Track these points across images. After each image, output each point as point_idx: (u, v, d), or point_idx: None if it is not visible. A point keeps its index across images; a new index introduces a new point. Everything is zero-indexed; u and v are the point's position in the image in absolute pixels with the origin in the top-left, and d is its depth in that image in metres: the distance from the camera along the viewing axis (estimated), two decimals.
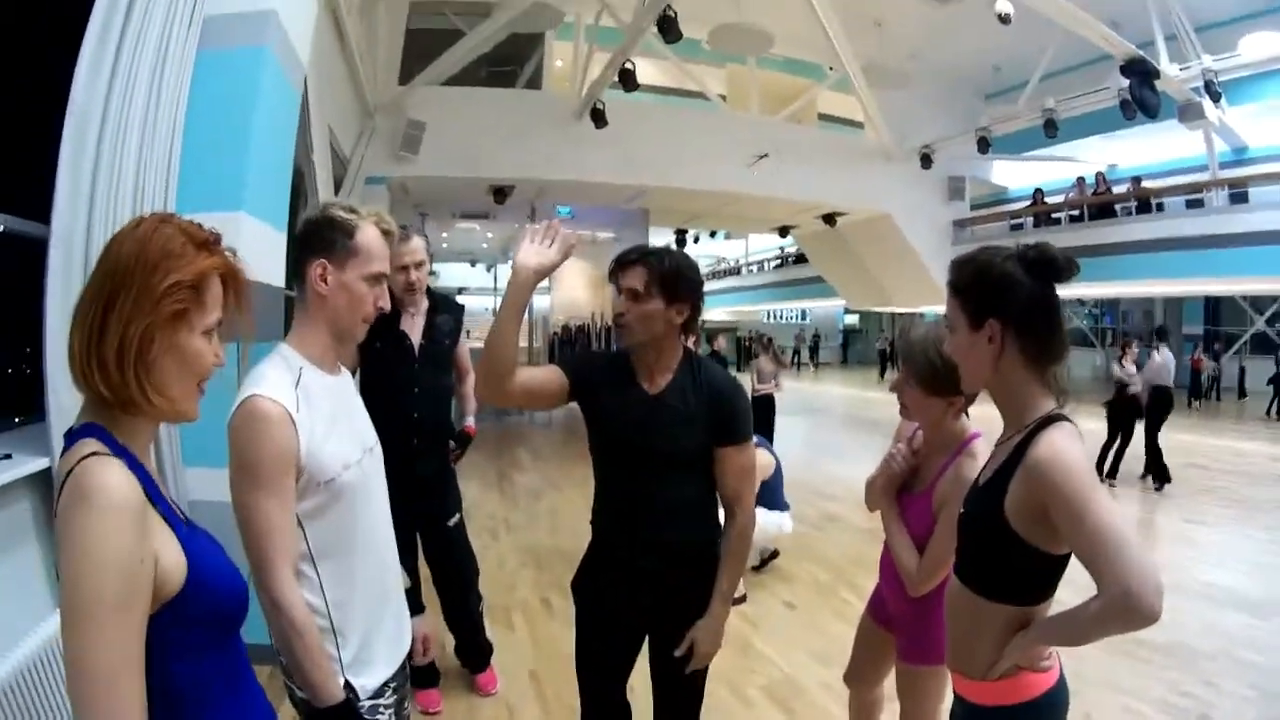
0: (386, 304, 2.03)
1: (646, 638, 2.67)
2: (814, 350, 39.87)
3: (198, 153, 3.72)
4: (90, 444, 1.23)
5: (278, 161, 4.61)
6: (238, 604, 1.40)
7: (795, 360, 39.73)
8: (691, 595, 2.55)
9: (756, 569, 6.33)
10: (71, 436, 1.27)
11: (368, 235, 1.95)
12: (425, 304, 3.93)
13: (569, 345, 20.72)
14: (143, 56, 3.36)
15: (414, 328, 3.87)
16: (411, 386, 3.84)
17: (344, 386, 2.05)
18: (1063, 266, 1.73)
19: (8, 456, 2.92)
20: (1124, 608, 1.47)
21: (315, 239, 1.93)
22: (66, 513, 1.18)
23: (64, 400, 2.94)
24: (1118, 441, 10.17)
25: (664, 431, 2.47)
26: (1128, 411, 10.19)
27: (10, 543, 2.89)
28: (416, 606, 2.30)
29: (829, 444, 15.30)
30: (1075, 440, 1.66)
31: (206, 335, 1.35)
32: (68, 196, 3.09)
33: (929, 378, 2.39)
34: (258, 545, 1.71)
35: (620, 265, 2.49)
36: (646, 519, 2.52)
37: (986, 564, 1.78)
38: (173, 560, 1.26)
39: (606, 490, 2.63)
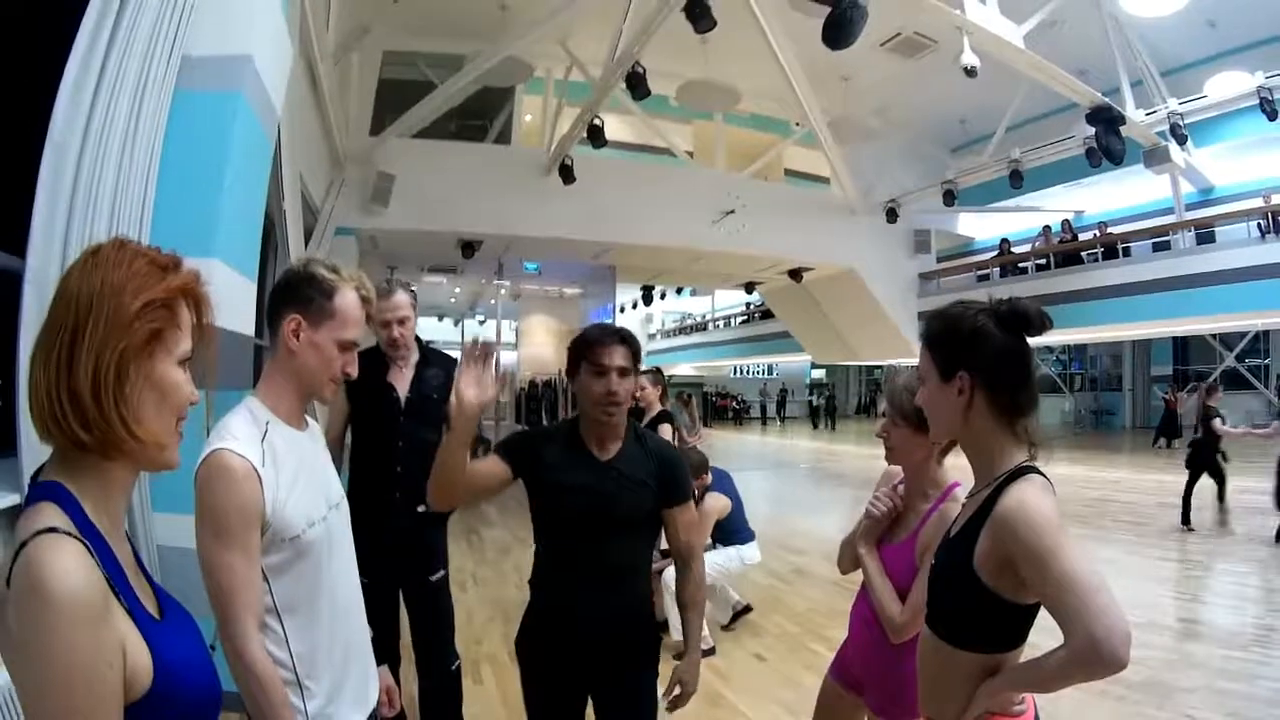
0: (354, 372, 2.02)
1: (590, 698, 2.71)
2: (780, 405, 40.04)
3: (170, 195, 3.67)
4: (48, 512, 1.11)
5: (249, 208, 4.54)
6: (207, 701, 1.28)
7: (763, 415, 39.95)
8: (633, 652, 2.67)
9: (726, 627, 6.25)
10: (33, 493, 1.15)
11: (346, 300, 1.95)
12: (415, 357, 3.91)
13: (535, 400, 20.71)
14: (121, 93, 3.34)
15: (401, 380, 3.84)
16: (395, 440, 3.80)
17: (310, 441, 2.04)
18: (1035, 320, 1.74)
19: None
20: (1090, 656, 1.47)
21: (293, 292, 1.93)
22: (18, 603, 1.05)
23: (35, 435, 2.87)
24: (1215, 484, 10.09)
25: (623, 496, 2.57)
26: (1210, 452, 10.11)
27: None
28: (381, 657, 2.26)
29: (795, 497, 15.27)
30: (1044, 492, 1.66)
31: (182, 365, 1.26)
32: (43, 230, 3.05)
33: (916, 414, 2.37)
34: (222, 599, 1.70)
35: (602, 345, 2.55)
36: (604, 581, 2.59)
37: (957, 614, 1.77)
38: (137, 661, 1.13)
39: (560, 557, 2.66)
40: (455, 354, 4.24)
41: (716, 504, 6.05)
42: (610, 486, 2.56)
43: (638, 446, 2.68)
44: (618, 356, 2.54)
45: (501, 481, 2.56)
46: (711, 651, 5.60)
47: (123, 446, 1.16)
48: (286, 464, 1.84)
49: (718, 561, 5.92)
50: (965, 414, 1.79)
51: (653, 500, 2.63)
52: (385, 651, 2.36)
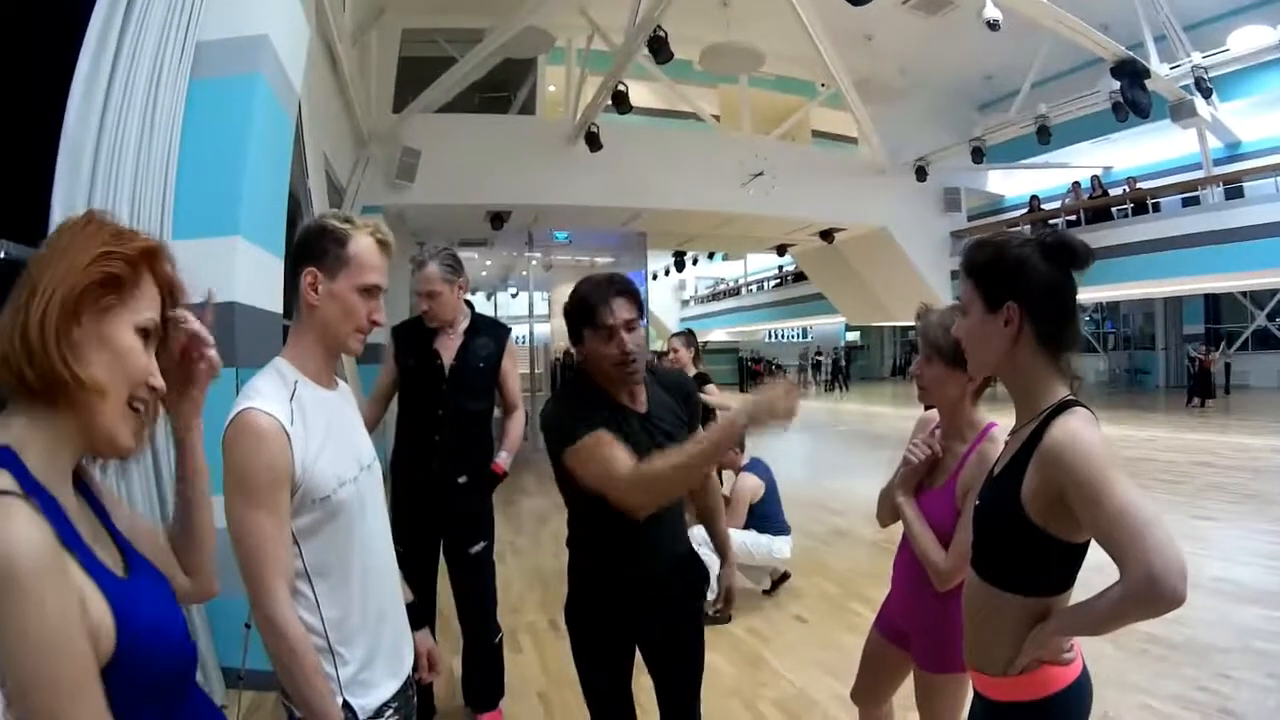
0: (381, 318, 1.97)
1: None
2: (816, 368, 39.82)
3: (193, 178, 3.71)
4: None
5: (273, 186, 4.59)
6: (181, 665, 1.24)
7: (801, 379, 39.80)
8: (688, 588, 2.70)
9: (767, 592, 6.17)
10: None
11: (361, 245, 1.89)
12: (465, 324, 3.87)
13: (570, 370, 20.75)
14: (136, 84, 3.37)
15: (447, 349, 3.81)
16: (435, 409, 3.78)
17: (340, 400, 2.00)
18: (1080, 253, 1.70)
19: None
20: (1147, 593, 1.42)
21: (308, 248, 1.89)
22: None
23: None
24: None
25: (670, 440, 2.41)
26: None
27: None
28: (417, 624, 2.24)
29: (833, 460, 15.20)
30: (1091, 424, 1.62)
31: (141, 335, 1.21)
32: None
33: (951, 349, 2.32)
34: (251, 563, 1.66)
35: (603, 304, 2.34)
36: (663, 526, 2.51)
37: (1004, 555, 1.74)
38: (101, 621, 1.09)
39: (617, 516, 2.32)
40: (509, 324, 4.22)
41: (748, 484, 6.03)
42: (658, 434, 2.43)
43: (656, 387, 2.57)
44: (621, 310, 2.33)
45: None
46: (787, 576, 6.16)
47: (65, 387, 1.11)
48: (316, 423, 1.81)
49: (746, 542, 5.82)
50: (1011, 346, 1.74)
51: (686, 432, 2.54)
52: (420, 621, 2.34)
